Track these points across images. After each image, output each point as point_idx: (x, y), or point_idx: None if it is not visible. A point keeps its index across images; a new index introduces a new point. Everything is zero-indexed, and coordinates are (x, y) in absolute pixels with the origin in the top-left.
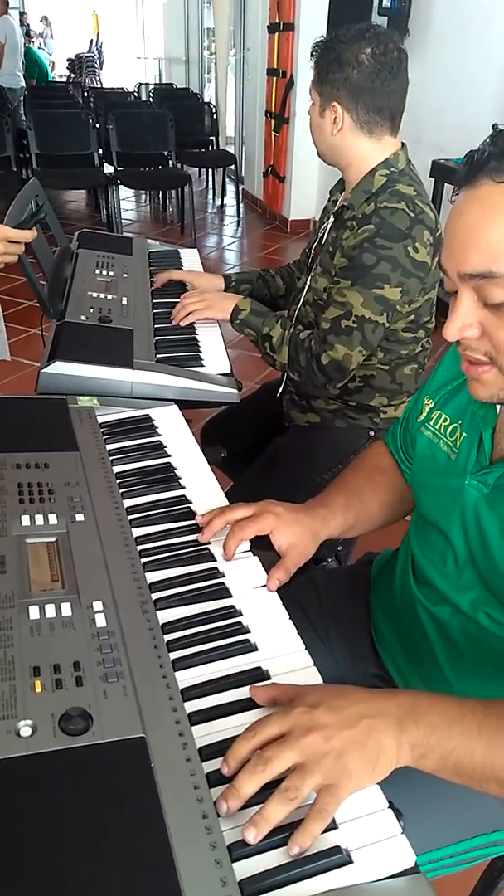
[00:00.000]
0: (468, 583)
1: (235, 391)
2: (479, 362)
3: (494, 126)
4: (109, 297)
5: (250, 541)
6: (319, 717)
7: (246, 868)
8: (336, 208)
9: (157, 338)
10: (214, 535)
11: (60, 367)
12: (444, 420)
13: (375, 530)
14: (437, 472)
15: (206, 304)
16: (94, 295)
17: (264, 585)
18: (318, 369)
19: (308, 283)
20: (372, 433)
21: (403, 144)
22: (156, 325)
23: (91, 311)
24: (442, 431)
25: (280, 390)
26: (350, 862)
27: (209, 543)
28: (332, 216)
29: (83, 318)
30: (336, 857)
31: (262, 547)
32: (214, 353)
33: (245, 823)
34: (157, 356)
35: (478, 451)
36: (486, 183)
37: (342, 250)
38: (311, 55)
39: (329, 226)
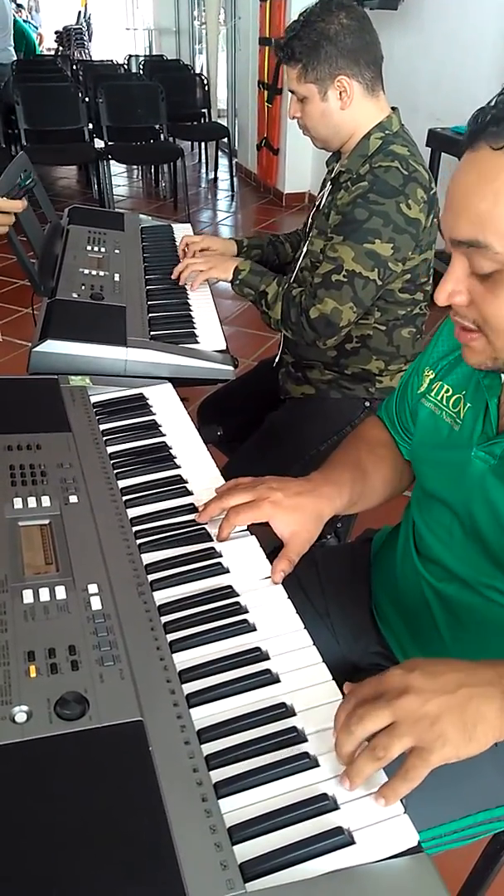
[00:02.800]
0: (475, 557)
1: (231, 368)
2: (469, 329)
3: None
4: (101, 273)
5: None
6: (415, 680)
7: (247, 851)
8: (333, 175)
9: (150, 314)
10: (211, 520)
11: (52, 346)
12: (447, 391)
13: (375, 507)
14: (440, 444)
15: (210, 265)
16: (86, 272)
17: (263, 569)
18: (308, 324)
19: (305, 247)
20: (367, 403)
21: (395, 108)
22: (149, 302)
23: (83, 288)
24: (444, 402)
25: (276, 362)
26: (352, 843)
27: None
28: (329, 183)
29: (75, 295)
30: (338, 838)
31: (258, 524)
32: (209, 329)
33: (340, 774)
34: (151, 333)
35: (483, 422)
36: (483, 148)
37: (336, 209)
38: (285, 58)
39: (327, 192)
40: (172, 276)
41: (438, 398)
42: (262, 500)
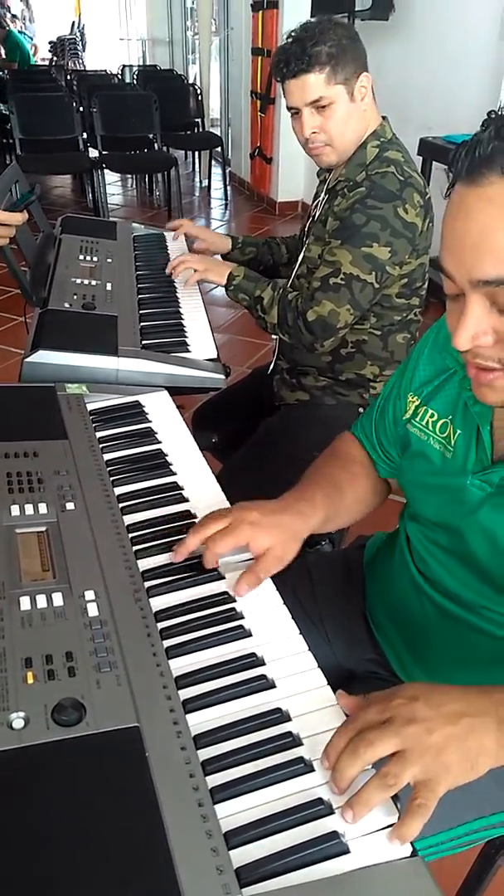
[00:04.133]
0: (473, 581)
1: (222, 376)
2: (491, 369)
3: (490, 113)
4: (93, 282)
5: None
6: (420, 710)
7: (243, 856)
8: (332, 185)
9: (142, 324)
10: (191, 553)
11: (44, 356)
12: (432, 416)
13: (349, 525)
14: (433, 470)
15: (205, 266)
16: (78, 281)
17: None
18: (305, 327)
19: (302, 254)
20: (361, 409)
21: (385, 117)
22: (141, 311)
23: (75, 297)
24: (430, 428)
25: (271, 369)
26: (347, 848)
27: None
28: (325, 193)
29: (67, 304)
30: (333, 843)
31: None
32: (200, 338)
33: (343, 805)
34: (143, 342)
35: (477, 449)
36: (496, 181)
37: (334, 215)
38: (307, 66)
39: (322, 202)
40: (166, 271)
41: (424, 423)
42: (239, 523)
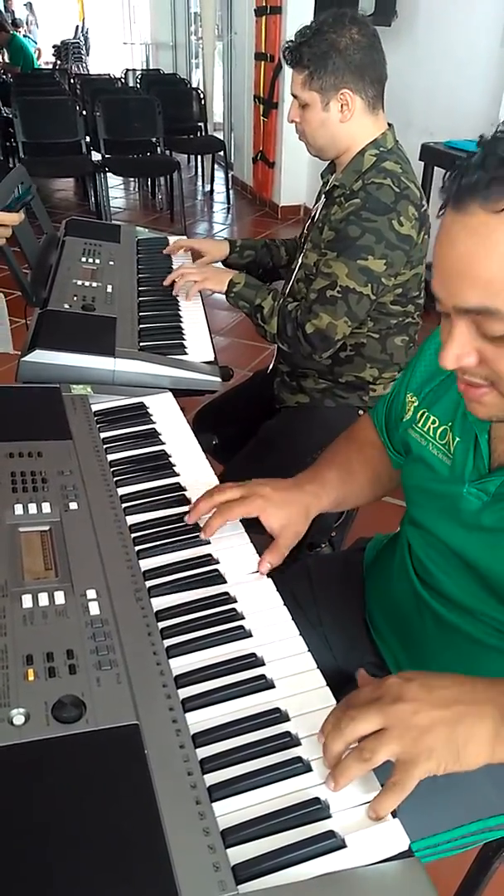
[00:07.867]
0: (475, 587)
1: (217, 379)
2: (478, 385)
3: (481, 137)
4: (94, 284)
5: (245, 524)
6: (411, 690)
7: (240, 853)
8: (327, 188)
9: (141, 326)
10: (201, 517)
11: (40, 356)
12: (433, 422)
13: (363, 505)
14: (432, 477)
15: (204, 276)
16: (79, 283)
17: (260, 576)
18: (304, 339)
19: (300, 260)
20: (361, 412)
21: (391, 125)
22: (140, 313)
23: (75, 298)
24: (431, 434)
25: (271, 371)
26: (343, 846)
27: (202, 530)
28: (323, 196)
29: (66, 306)
30: (329, 842)
31: (257, 531)
32: (198, 341)
33: (327, 776)
34: (140, 344)
35: (474, 457)
36: (478, 212)
37: (330, 224)
38: (292, 62)
39: (321, 205)
40: (165, 283)
41: (425, 429)
42: (251, 496)
